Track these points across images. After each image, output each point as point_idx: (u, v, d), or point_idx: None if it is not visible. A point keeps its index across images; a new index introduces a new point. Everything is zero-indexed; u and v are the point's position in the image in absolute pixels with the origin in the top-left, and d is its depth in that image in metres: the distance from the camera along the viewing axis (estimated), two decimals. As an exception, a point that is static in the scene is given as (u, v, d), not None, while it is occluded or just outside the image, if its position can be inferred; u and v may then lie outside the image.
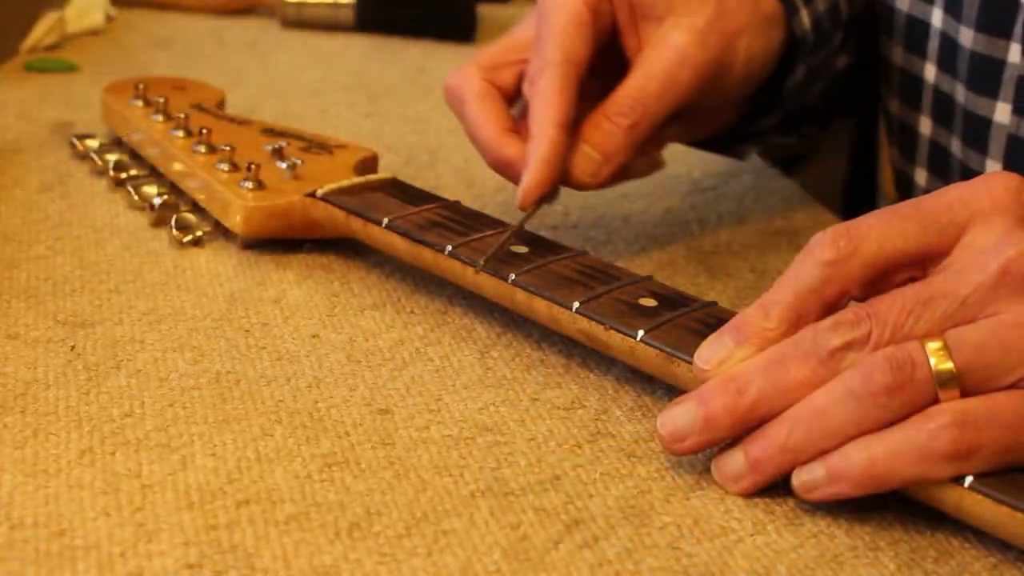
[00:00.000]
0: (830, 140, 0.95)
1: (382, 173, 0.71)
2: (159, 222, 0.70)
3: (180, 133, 0.73)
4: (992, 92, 0.69)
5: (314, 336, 0.60)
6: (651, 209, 0.77)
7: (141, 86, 0.78)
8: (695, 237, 0.74)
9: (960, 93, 0.72)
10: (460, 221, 0.64)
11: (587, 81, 0.65)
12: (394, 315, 0.63)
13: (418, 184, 0.69)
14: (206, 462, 0.50)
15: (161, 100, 0.76)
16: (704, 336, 0.52)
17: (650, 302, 0.56)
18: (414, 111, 0.91)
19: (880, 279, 0.51)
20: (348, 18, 1.08)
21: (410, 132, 0.87)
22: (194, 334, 0.59)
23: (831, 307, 0.51)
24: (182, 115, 0.74)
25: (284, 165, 0.69)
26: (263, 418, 0.53)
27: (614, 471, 0.52)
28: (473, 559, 0.46)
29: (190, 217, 0.69)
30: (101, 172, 0.75)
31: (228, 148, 0.70)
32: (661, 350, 0.54)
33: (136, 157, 0.76)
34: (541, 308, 0.58)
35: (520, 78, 0.67)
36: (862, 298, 0.51)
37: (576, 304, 0.56)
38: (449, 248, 0.61)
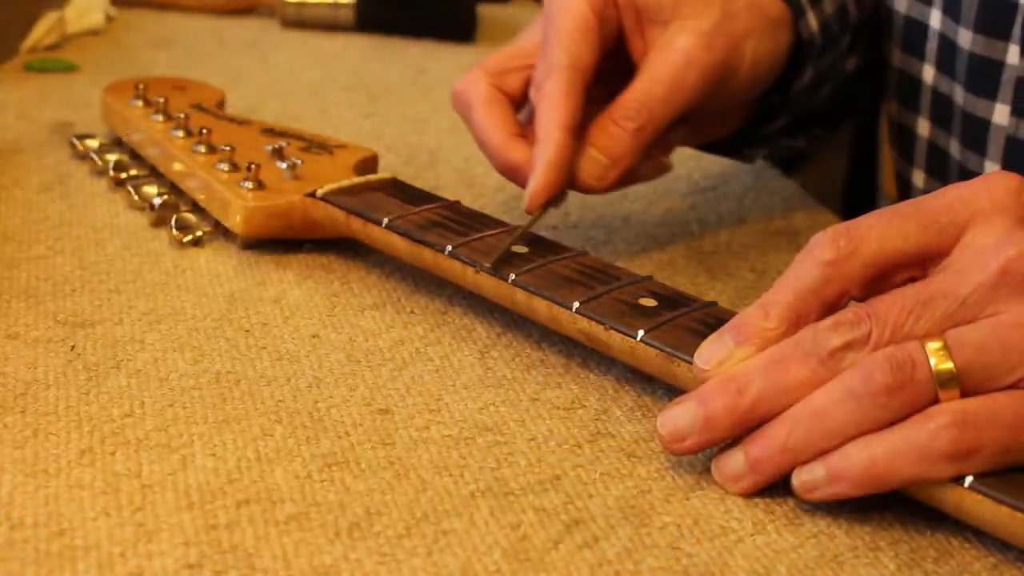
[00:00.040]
0: (830, 140, 0.95)
1: (382, 173, 0.71)
2: (159, 222, 0.70)
3: (180, 133, 0.73)
4: (991, 93, 0.69)
5: (314, 336, 0.60)
6: (651, 209, 0.77)
7: (141, 86, 0.78)
8: (695, 237, 0.74)
9: (959, 94, 0.72)
10: (460, 221, 0.64)
11: (593, 85, 0.65)
12: (394, 315, 0.63)
13: (418, 184, 0.69)
14: (206, 462, 0.50)
15: (161, 100, 0.76)
16: (704, 336, 0.52)
17: (650, 302, 0.56)
18: (414, 111, 0.91)
19: (880, 279, 0.51)
20: (348, 18, 1.08)
21: (410, 132, 0.87)
22: (194, 334, 0.59)
23: (831, 307, 0.51)
24: (182, 115, 0.74)
25: (284, 165, 0.69)
26: (263, 418, 0.53)
27: (614, 471, 0.52)
28: (473, 559, 0.46)
29: (190, 217, 0.69)
30: (101, 172, 0.75)
31: (228, 148, 0.70)
32: (661, 350, 0.54)
33: (136, 157, 0.76)
34: (541, 308, 0.58)
35: (527, 83, 0.67)
36: (862, 298, 0.51)
37: (576, 304, 0.56)
38: (449, 248, 0.61)
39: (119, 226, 0.70)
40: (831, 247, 0.50)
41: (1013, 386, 0.47)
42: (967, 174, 0.72)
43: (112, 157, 0.75)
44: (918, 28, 0.74)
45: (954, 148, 0.73)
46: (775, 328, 0.50)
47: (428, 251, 0.62)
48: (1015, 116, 0.68)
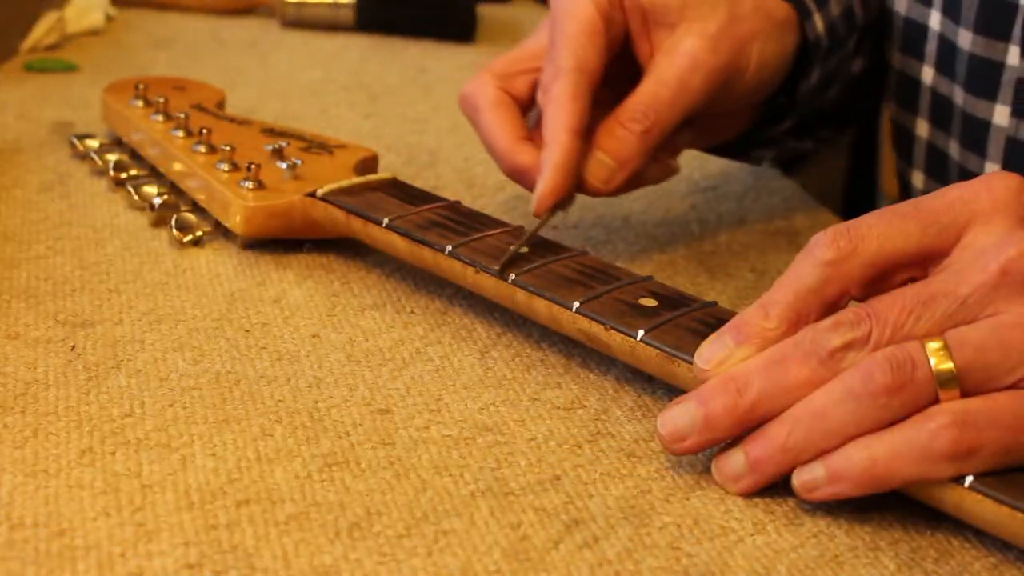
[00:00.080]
0: (836, 141, 0.95)
1: (382, 173, 0.71)
2: (159, 222, 0.70)
3: (180, 133, 0.73)
4: (991, 94, 0.69)
5: (314, 336, 0.60)
6: (651, 209, 0.77)
7: (141, 86, 0.78)
8: (695, 237, 0.74)
9: (958, 96, 0.72)
10: (460, 221, 0.64)
11: (600, 88, 0.65)
12: (394, 315, 0.63)
13: (418, 184, 0.69)
14: (206, 462, 0.50)
15: (161, 100, 0.76)
16: (704, 336, 0.52)
17: (650, 302, 0.56)
18: (414, 111, 0.91)
19: (880, 279, 0.51)
20: (348, 18, 1.08)
21: (410, 132, 0.87)
22: (194, 334, 0.59)
23: (831, 307, 0.51)
24: (182, 115, 0.74)
25: (284, 165, 0.69)
26: (263, 418, 0.53)
27: (614, 471, 0.52)
28: (473, 559, 0.46)
29: (190, 217, 0.69)
30: (101, 172, 0.75)
31: (228, 148, 0.70)
32: (661, 350, 0.54)
33: (136, 157, 0.76)
34: (541, 308, 0.58)
35: (534, 86, 0.67)
36: (862, 298, 0.51)
37: (576, 304, 0.56)
38: (449, 248, 0.61)
39: (119, 226, 0.70)
40: (831, 247, 0.50)
41: (1013, 386, 0.47)
42: (967, 175, 0.72)
43: (112, 157, 0.75)
44: (918, 29, 0.74)
45: (953, 149, 0.73)
46: (775, 328, 0.50)
47: (428, 251, 0.62)
48: (1015, 117, 0.68)
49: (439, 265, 0.62)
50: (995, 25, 0.68)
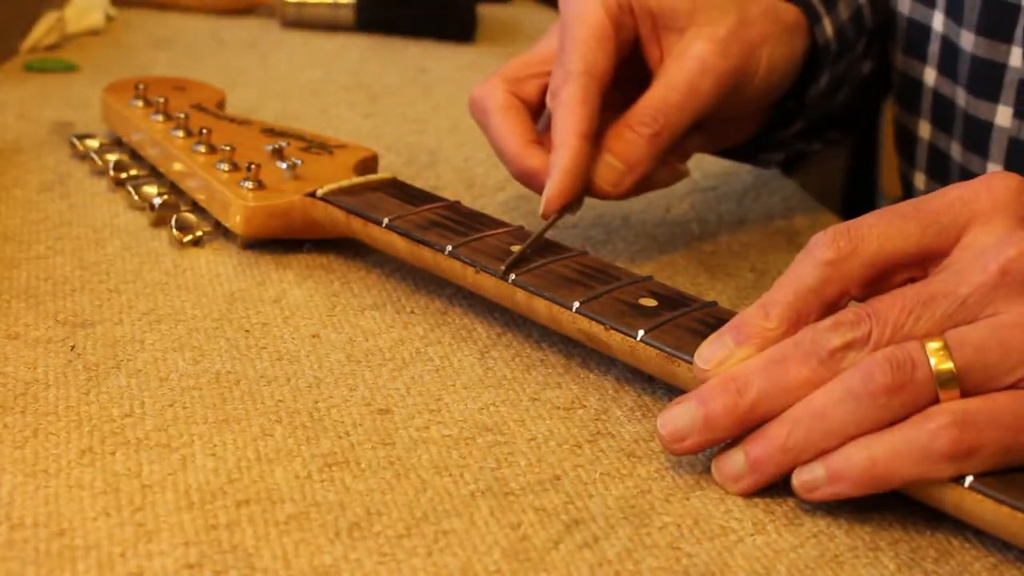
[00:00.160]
0: (846, 142, 0.95)
1: (382, 173, 0.71)
2: (159, 222, 0.70)
3: (180, 133, 0.73)
4: (993, 96, 0.69)
5: (314, 336, 0.60)
6: (651, 209, 0.77)
7: (141, 86, 0.78)
8: (695, 237, 0.74)
9: (961, 97, 0.72)
10: (460, 221, 0.64)
11: (610, 92, 0.65)
12: (394, 315, 0.63)
13: (418, 184, 0.69)
14: (206, 462, 0.50)
15: (161, 100, 0.76)
16: (704, 336, 0.52)
17: (650, 302, 0.56)
18: (414, 111, 0.91)
19: (880, 279, 0.51)
20: (348, 18, 1.08)
21: (410, 132, 0.87)
22: (194, 334, 0.59)
23: (831, 307, 0.51)
24: (182, 115, 0.74)
25: (284, 165, 0.69)
26: (263, 418, 0.53)
27: (614, 471, 0.52)
28: (473, 559, 0.46)
29: (190, 217, 0.69)
30: (101, 172, 0.75)
31: (228, 148, 0.70)
32: (661, 350, 0.54)
33: (136, 157, 0.76)
34: (541, 308, 0.58)
35: (543, 90, 0.67)
36: (862, 298, 0.51)
37: (576, 304, 0.56)
38: (449, 248, 0.61)
39: (119, 226, 0.70)
40: (831, 247, 0.50)
41: (1013, 386, 0.47)
42: (968, 176, 0.71)
43: (112, 157, 0.75)
44: (920, 30, 0.74)
45: (955, 150, 0.73)
46: (775, 328, 0.50)
47: (428, 251, 0.62)
48: (1017, 118, 0.68)
49: (439, 265, 0.62)
50: (997, 26, 0.68)
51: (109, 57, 0.98)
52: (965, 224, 0.50)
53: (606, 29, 0.65)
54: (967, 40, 0.70)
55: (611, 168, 0.65)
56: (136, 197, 0.71)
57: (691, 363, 0.52)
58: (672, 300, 0.57)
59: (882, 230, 0.50)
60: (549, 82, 0.66)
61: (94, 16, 1.02)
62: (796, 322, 0.50)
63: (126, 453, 0.51)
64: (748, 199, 0.80)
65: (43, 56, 0.96)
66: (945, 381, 0.47)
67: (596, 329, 0.56)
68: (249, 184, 0.67)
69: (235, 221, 0.67)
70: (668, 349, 0.53)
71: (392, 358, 0.59)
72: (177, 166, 0.72)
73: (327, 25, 1.08)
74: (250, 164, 0.68)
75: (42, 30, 0.97)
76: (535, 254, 0.60)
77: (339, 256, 0.68)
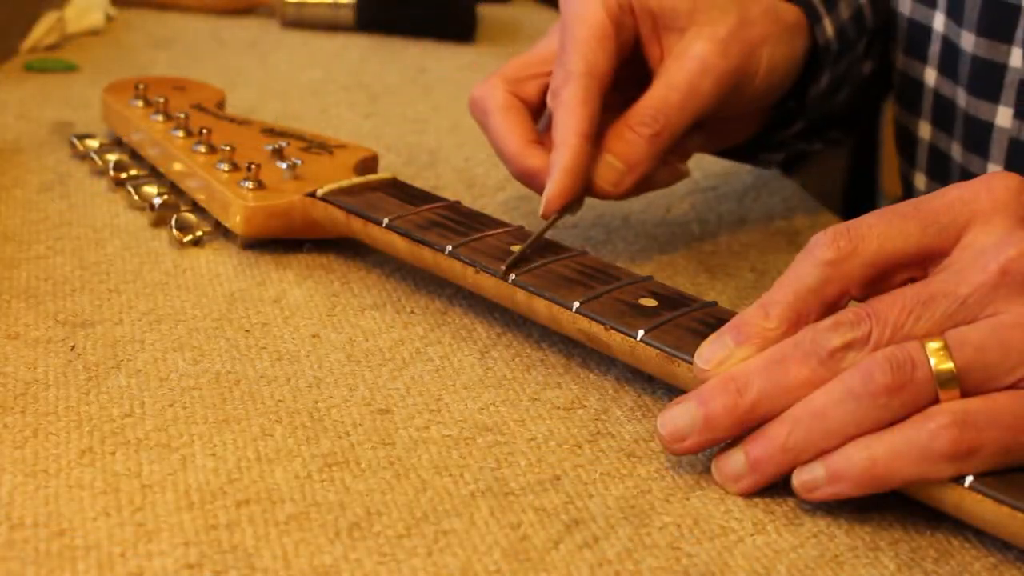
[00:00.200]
0: (846, 142, 0.95)
1: (382, 173, 0.71)
2: (159, 222, 0.70)
3: (180, 133, 0.73)
4: (993, 96, 0.69)
5: (314, 336, 0.60)
6: (651, 209, 0.77)
7: (141, 86, 0.78)
8: (695, 237, 0.74)
9: (961, 97, 0.72)
10: (460, 221, 0.64)
11: (610, 92, 0.65)
12: (394, 315, 0.63)
13: (418, 184, 0.69)
14: (206, 462, 0.50)
15: (161, 100, 0.76)
16: (704, 336, 0.52)
17: (650, 302, 0.56)
18: (414, 111, 0.91)
19: (880, 279, 0.51)
20: (348, 18, 1.08)
21: (410, 132, 0.87)
22: (194, 334, 0.59)
23: (831, 307, 0.51)
24: (182, 115, 0.74)
25: (284, 165, 0.69)
26: (263, 418, 0.53)
27: (614, 471, 0.52)
28: (473, 559, 0.46)
29: (190, 217, 0.69)
30: (101, 172, 0.75)
31: (228, 148, 0.70)
32: (661, 350, 0.54)
33: (136, 157, 0.76)
34: (541, 308, 0.58)
35: (544, 90, 0.67)
36: (862, 298, 0.51)
37: (576, 304, 0.56)
38: (449, 248, 0.61)
39: (119, 226, 0.70)
40: (831, 247, 0.50)
41: (1013, 386, 0.47)
42: (969, 177, 0.71)
43: (112, 157, 0.75)
44: (921, 31, 0.74)
45: (956, 151, 0.73)
46: (775, 328, 0.50)
47: (428, 251, 0.62)
48: (1018, 119, 0.68)
49: (439, 265, 0.62)
50: (998, 27, 0.68)
51: (109, 57, 0.98)
52: (965, 224, 0.50)
53: (607, 29, 0.65)
54: (968, 41, 0.70)
55: (611, 168, 0.65)
56: (136, 197, 0.71)
57: (691, 363, 0.52)
58: (672, 300, 0.57)
59: (882, 230, 0.50)
60: (549, 82, 0.66)
61: (94, 16, 1.02)
62: (796, 322, 0.50)
63: (126, 453, 0.51)
64: (748, 199, 0.80)
65: (43, 56, 0.96)
66: (945, 381, 0.47)
67: (596, 329, 0.56)
68: (249, 184, 0.67)
69: (235, 221, 0.67)
70: (668, 349, 0.53)
71: (392, 358, 0.59)
72: (177, 166, 0.72)
73: (327, 25, 1.08)
74: (250, 164, 0.68)
75: (42, 30, 0.97)
76: (535, 254, 0.60)
77: (339, 256, 0.68)
